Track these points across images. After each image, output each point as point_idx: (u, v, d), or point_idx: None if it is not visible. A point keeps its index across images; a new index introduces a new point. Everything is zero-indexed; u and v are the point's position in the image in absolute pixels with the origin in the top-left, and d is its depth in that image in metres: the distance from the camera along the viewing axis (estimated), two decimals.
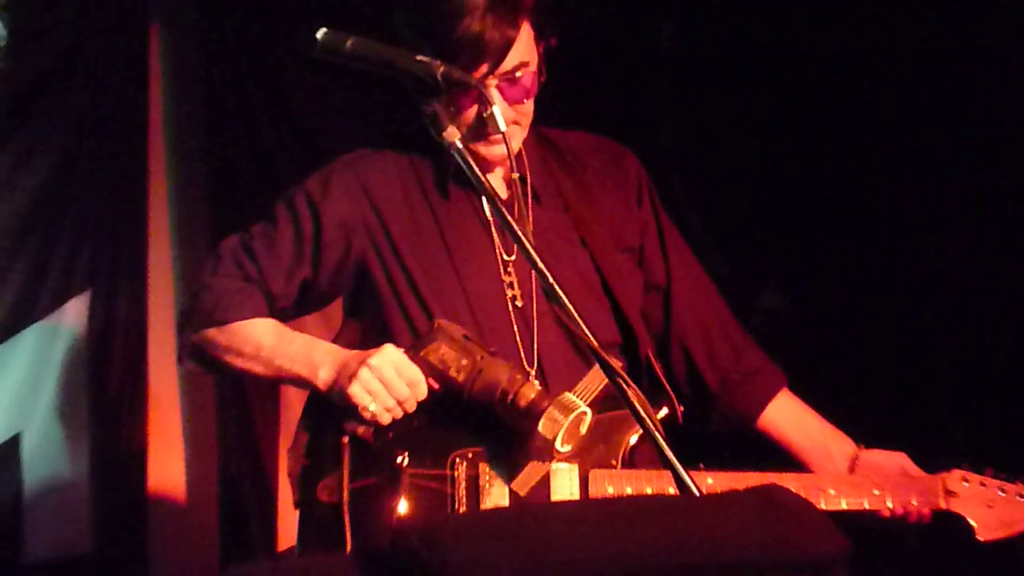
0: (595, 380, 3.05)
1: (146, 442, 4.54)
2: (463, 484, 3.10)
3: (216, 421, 4.71)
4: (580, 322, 2.72)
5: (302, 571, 2.22)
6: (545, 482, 3.10)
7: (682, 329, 3.46)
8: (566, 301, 2.73)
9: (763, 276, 4.53)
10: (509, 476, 3.07)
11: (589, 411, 3.02)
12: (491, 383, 3.03)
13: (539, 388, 3.05)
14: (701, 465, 3.17)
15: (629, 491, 3.13)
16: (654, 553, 2.13)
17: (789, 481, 3.21)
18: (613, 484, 3.14)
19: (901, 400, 4.23)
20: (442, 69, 2.92)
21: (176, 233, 4.71)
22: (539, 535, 2.14)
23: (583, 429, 3.01)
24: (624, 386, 2.69)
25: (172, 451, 4.64)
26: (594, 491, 3.13)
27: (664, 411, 3.22)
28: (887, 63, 4.25)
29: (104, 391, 4.50)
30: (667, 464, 2.60)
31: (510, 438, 3.09)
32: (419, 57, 2.95)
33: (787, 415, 3.46)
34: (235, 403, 4.69)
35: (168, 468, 4.61)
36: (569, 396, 3.02)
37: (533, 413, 3.00)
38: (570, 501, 3.04)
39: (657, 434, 2.65)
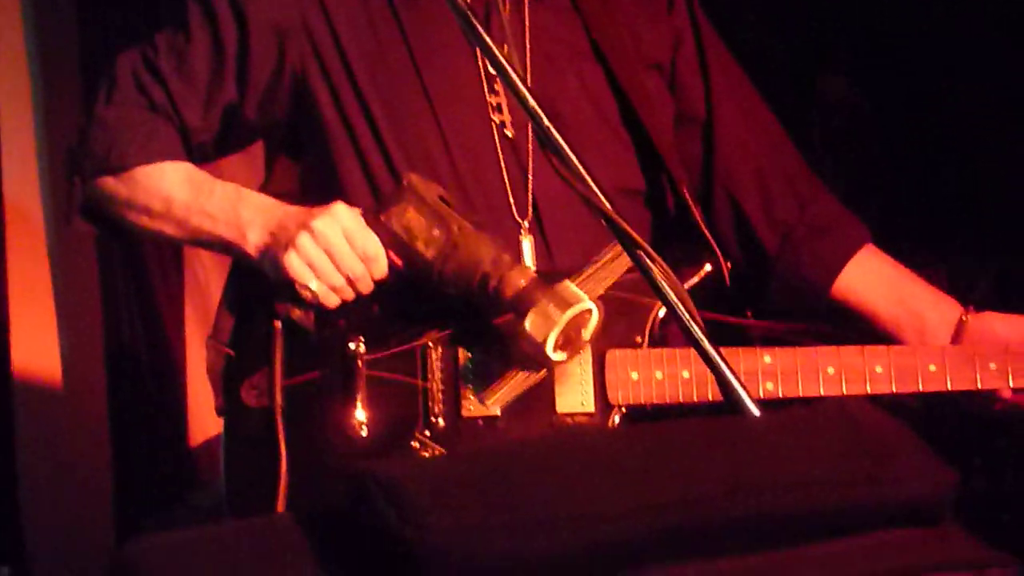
0: (612, 261, 2.59)
1: (6, 310, 4.02)
2: (438, 375, 2.65)
3: (99, 282, 4.13)
4: (588, 179, 2.22)
5: (230, 542, 1.77)
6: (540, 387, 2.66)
7: (729, 173, 2.91)
8: (568, 152, 2.22)
9: (825, 59, 3.79)
10: (486, 382, 2.64)
11: (595, 308, 2.54)
12: (468, 263, 2.58)
13: (532, 275, 2.59)
14: (750, 316, 2.78)
15: (659, 376, 2.65)
16: (697, 504, 1.72)
17: (875, 357, 2.68)
18: (638, 368, 2.66)
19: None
20: None
21: (35, 50, 4.05)
22: (545, 483, 1.71)
23: (587, 333, 2.55)
24: (647, 262, 2.21)
25: (40, 321, 4.11)
26: (612, 378, 2.65)
27: (706, 268, 2.74)
28: None
29: None
30: (710, 366, 2.15)
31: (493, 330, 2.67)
32: None
33: (869, 276, 2.87)
34: (122, 258, 4.10)
35: (37, 342, 4.09)
36: (569, 286, 2.55)
37: (521, 306, 2.54)
38: (582, 431, 2.61)
39: (696, 328, 2.17)
